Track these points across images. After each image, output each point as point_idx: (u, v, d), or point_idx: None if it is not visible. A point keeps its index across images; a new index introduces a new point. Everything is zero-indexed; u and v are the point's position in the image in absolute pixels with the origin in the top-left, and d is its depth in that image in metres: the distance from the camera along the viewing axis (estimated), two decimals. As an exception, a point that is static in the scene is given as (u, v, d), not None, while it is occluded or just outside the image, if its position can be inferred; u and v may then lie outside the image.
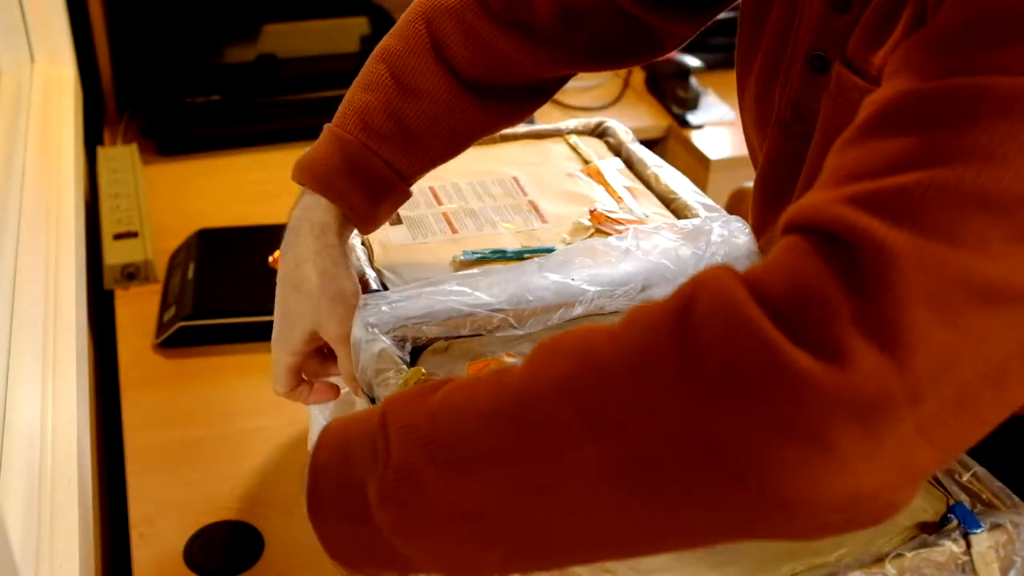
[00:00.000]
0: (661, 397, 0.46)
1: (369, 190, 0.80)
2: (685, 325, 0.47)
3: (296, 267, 0.78)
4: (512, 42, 0.82)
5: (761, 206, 0.83)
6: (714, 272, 0.48)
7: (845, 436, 0.44)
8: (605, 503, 0.49)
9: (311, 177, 0.80)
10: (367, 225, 0.82)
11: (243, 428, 1.10)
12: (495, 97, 0.84)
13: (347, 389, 0.82)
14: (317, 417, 0.84)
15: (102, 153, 1.60)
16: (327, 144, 0.81)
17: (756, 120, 0.81)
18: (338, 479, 0.58)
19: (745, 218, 0.88)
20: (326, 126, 0.82)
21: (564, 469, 0.49)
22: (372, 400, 0.75)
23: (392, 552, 0.56)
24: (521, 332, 0.78)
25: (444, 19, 0.81)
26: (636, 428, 0.47)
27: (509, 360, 0.75)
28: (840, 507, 0.46)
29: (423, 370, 0.73)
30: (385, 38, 0.84)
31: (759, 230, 0.85)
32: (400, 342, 0.76)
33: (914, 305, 0.45)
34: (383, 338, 0.74)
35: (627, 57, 0.90)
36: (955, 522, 0.63)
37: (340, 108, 0.82)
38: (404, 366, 0.74)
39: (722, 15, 0.88)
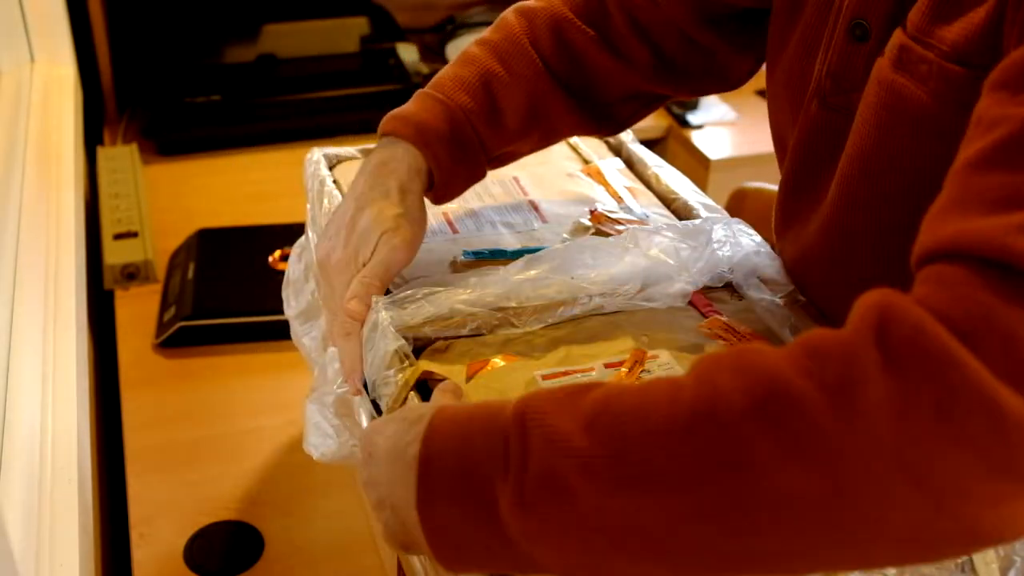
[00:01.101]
0: (866, 427, 0.46)
1: (454, 149, 0.83)
2: (889, 359, 0.47)
3: (395, 187, 0.80)
4: (589, 43, 0.88)
5: (789, 191, 0.82)
6: (897, 300, 0.48)
7: None
8: (791, 528, 0.48)
9: (404, 125, 0.82)
10: (443, 188, 0.84)
11: (243, 428, 1.10)
12: (581, 100, 0.89)
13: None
14: (314, 417, 0.83)
15: (102, 153, 1.60)
16: (420, 102, 0.84)
17: (791, 95, 0.80)
18: (458, 472, 0.56)
19: (745, 219, 0.87)
20: (419, 91, 0.85)
21: (750, 494, 0.48)
22: (373, 401, 0.75)
23: (518, 553, 0.54)
24: (521, 331, 0.78)
25: (536, 14, 0.88)
26: (836, 455, 0.47)
27: (506, 362, 0.75)
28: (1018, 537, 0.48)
29: (422, 366, 0.73)
30: (483, 33, 0.90)
31: (785, 221, 0.83)
32: (400, 342, 0.76)
33: None
34: (392, 336, 0.74)
35: (693, 83, 0.93)
36: (955, 522, 0.63)
37: (435, 79, 0.86)
38: (407, 366, 0.74)
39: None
